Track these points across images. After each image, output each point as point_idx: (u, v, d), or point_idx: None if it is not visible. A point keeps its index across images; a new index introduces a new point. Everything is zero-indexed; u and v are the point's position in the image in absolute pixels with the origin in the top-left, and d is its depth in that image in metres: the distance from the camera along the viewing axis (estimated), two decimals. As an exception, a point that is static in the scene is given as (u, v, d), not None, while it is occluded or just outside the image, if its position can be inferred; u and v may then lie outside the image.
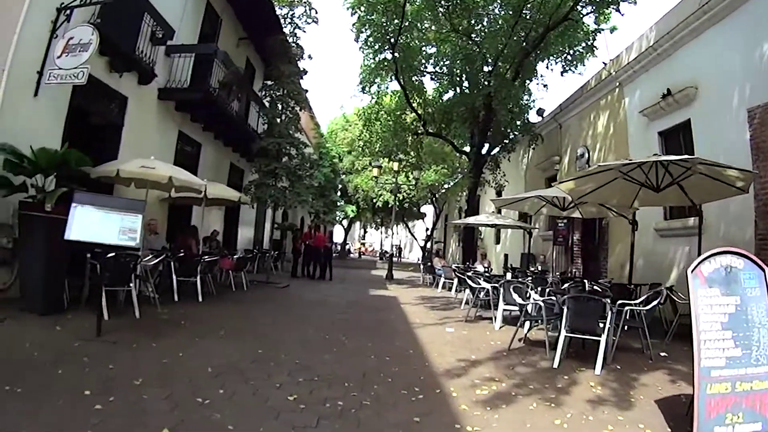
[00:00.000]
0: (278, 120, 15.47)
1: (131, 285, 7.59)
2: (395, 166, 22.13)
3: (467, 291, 11.94)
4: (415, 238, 43.54)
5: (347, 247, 47.35)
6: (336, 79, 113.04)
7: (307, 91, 17.07)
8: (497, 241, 25.54)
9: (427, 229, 41.22)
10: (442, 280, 17.05)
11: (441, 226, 39.73)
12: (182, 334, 6.78)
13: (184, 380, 4.76)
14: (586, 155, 16.04)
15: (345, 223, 43.02)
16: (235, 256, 13.14)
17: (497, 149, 20.59)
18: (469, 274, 12.45)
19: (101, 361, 5.07)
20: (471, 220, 18.86)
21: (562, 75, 20.34)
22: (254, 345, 6.50)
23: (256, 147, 14.95)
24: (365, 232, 67.77)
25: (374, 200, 31.43)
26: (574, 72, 19.31)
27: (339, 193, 35.79)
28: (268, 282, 14.56)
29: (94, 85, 9.67)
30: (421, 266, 21.80)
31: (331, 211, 32.40)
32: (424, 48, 20.13)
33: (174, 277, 9.66)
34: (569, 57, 18.99)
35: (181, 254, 10.22)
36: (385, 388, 5.13)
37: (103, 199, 6.50)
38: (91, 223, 6.12)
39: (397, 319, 10.11)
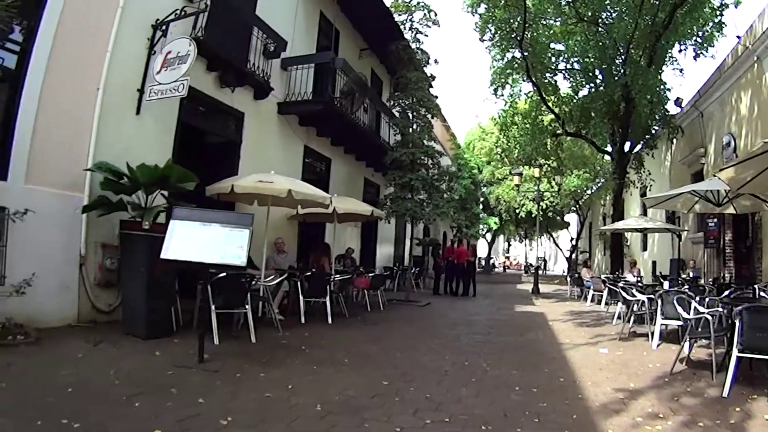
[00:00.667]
0: (410, 129, 14.55)
1: (246, 306, 6.89)
2: (536, 172, 20.49)
3: (619, 304, 10.48)
4: (560, 249, 40.79)
5: (491, 261, 45.35)
6: (467, 86, 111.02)
7: (437, 97, 16.04)
8: (644, 248, 22.96)
9: (572, 239, 38.38)
10: (591, 292, 15.26)
11: (585, 235, 37.00)
12: (299, 362, 5.91)
13: (283, 421, 3.84)
14: (732, 143, 13.77)
15: (488, 236, 41.20)
16: (370, 274, 12.28)
17: (639, 146, 18.47)
18: (621, 285, 10.80)
19: (192, 393, 4.32)
20: (619, 225, 16.77)
21: (695, 59, 17.73)
22: (380, 375, 5.46)
23: (389, 159, 14.12)
24: (509, 245, 65.07)
25: (517, 210, 29.38)
26: (705, 55, 16.84)
27: (481, 206, 34.23)
28: (407, 301, 13.59)
29: (204, 102, 9.56)
30: (568, 278, 19.85)
31: (473, 224, 30.93)
32: (552, 45, 18.33)
33: (301, 297, 8.98)
34: (699, 39, 16.62)
35: (309, 273, 9.54)
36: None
37: (206, 213, 5.80)
38: (190, 241, 5.46)
39: (545, 340, 8.68)
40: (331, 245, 13.12)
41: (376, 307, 11.65)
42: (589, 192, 29.79)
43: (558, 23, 17.90)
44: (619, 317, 10.43)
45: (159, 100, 7.61)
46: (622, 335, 8.77)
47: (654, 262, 20.61)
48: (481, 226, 33.33)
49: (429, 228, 27.79)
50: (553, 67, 18.51)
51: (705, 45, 16.67)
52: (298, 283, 9.09)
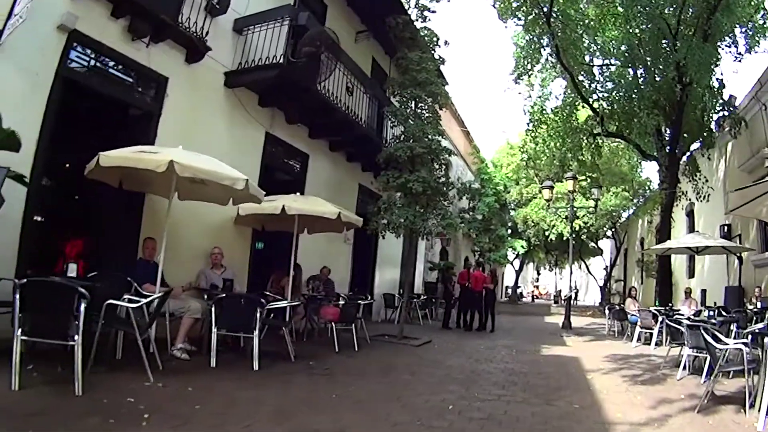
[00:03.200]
0: (410, 121, 11.53)
1: (75, 337, 4.29)
2: (570, 184, 16.81)
3: (685, 350, 7.61)
4: (594, 277, 37.14)
5: (519, 290, 41.69)
6: (496, 103, 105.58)
7: (446, 83, 13.05)
8: (691, 274, 19.62)
9: (606, 267, 35.13)
10: (637, 329, 11.99)
11: (620, 262, 33.66)
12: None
13: None
14: None
15: (516, 263, 37.68)
16: (341, 302, 9.25)
17: (693, 147, 15.50)
18: (687, 322, 7.70)
19: None
20: (671, 243, 13.77)
21: (749, 52, 14.41)
22: None
23: (382, 157, 11.13)
24: (538, 273, 61.04)
25: (546, 233, 25.81)
26: (757, 49, 14.19)
27: (509, 230, 30.87)
28: (401, 337, 10.44)
29: (104, 56, 7.10)
30: (606, 311, 16.27)
31: (497, 248, 27.59)
32: (586, 38, 15.25)
33: (214, 329, 6.18)
34: (749, 30, 14.02)
35: (223, 295, 6.71)
36: None
37: None
38: None
39: (585, 413, 5.43)
40: (302, 263, 10.27)
41: (348, 346, 8.61)
42: (626, 213, 26.45)
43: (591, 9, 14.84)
44: (684, 367, 7.65)
45: (16, 39, 5.51)
46: (702, 404, 5.58)
47: (704, 291, 17.32)
48: (507, 250, 29.79)
49: (447, 251, 24.63)
50: (588, 52, 15.36)
51: (757, 36, 13.77)
52: (213, 307, 6.28)
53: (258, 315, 6.47)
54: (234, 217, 8.87)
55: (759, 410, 4.94)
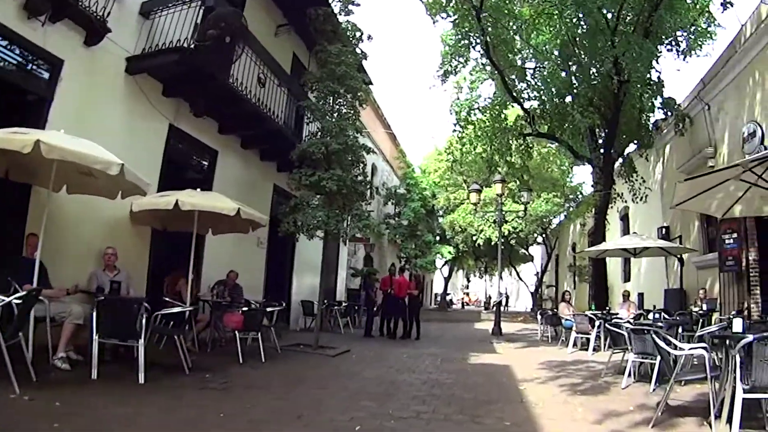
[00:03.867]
0: (327, 117, 10.90)
1: None
2: (498, 188, 16.47)
3: (629, 356, 7.07)
4: (525, 283, 37.44)
5: (449, 297, 41.73)
6: (425, 110, 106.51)
7: (369, 83, 12.55)
8: (626, 278, 19.56)
9: (537, 273, 35.44)
10: (573, 335, 11.63)
11: (552, 267, 33.90)
12: None
13: None
14: (759, 132, 10.64)
15: (445, 270, 37.69)
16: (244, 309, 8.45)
17: (629, 150, 15.62)
18: (630, 326, 7.25)
19: None
20: (608, 245, 13.43)
21: (689, 55, 14.54)
22: None
23: (296, 154, 10.44)
24: (468, 281, 61.72)
25: (474, 238, 25.74)
26: (698, 52, 14.43)
27: (437, 237, 30.69)
28: (317, 346, 9.76)
29: None
30: (538, 316, 16.06)
31: (424, 254, 27.34)
32: (518, 39, 15.11)
33: (95, 336, 5.51)
34: (691, 34, 14.19)
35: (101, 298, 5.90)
36: None
37: None
38: None
39: (520, 429, 4.89)
40: (209, 267, 9.45)
41: (255, 356, 7.87)
42: (556, 219, 26.83)
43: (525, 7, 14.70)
44: (630, 374, 7.13)
45: None
46: (658, 418, 4.98)
47: (641, 295, 17.21)
48: (434, 257, 29.55)
49: (371, 257, 24.12)
50: (520, 54, 15.21)
51: (700, 40, 14.01)
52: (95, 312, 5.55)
53: (142, 321, 5.68)
54: (130, 215, 7.96)
55: (728, 422, 4.38)
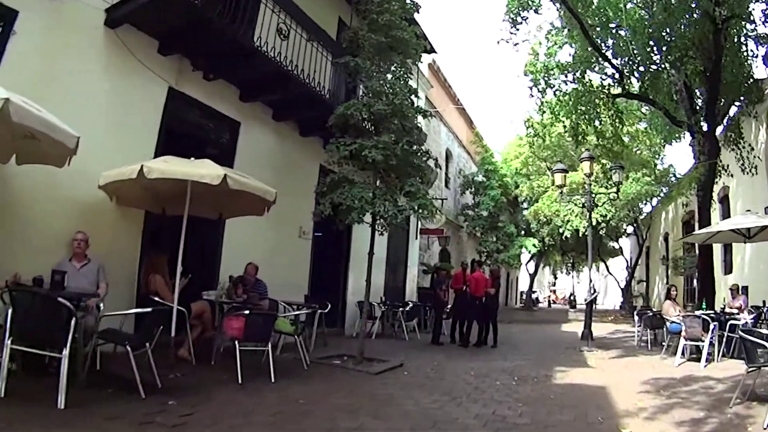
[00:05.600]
0: (374, 75, 8.85)
1: None
2: (586, 167, 13.54)
3: None
4: (615, 278, 33.87)
5: (534, 295, 38.62)
6: (504, 98, 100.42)
7: (423, 37, 10.34)
8: (727, 270, 16.23)
9: (627, 266, 31.89)
10: (682, 342, 9.08)
11: (642, 261, 30.48)
12: None
13: None
14: None
15: (531, 266, 34.69)
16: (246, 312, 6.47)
17: (733, 108, 12.76)
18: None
19: None
20: (723, 225, 10.83)
21: None
22: None
23: (332, 120, 8.48)
24: (555, 277, 57.79)
25: (561, 229, 22.83)
26: None
27: (521, 231, 27.86)
28: (361, 359, 7.74)
29: None
30: (636, 317, 13.13)
31: (506, 247, 24.72)
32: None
33: (7, 342, 4.11)
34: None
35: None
36: None
37: None
38: None
39: None
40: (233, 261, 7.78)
41: (264, 374, 5.97)
42: (648, 206, 23.62)
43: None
44: None
45: None
46: None
47: (745, 288, 13.66)
48: (518, 250, 26.70)
49: (448, 252, 21.81)
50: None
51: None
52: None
53: (70, 324, 3.98)
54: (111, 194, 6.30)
55: None
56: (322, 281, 11.44)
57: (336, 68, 9.87)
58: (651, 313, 12.24)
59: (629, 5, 12.05)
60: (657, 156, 24.93)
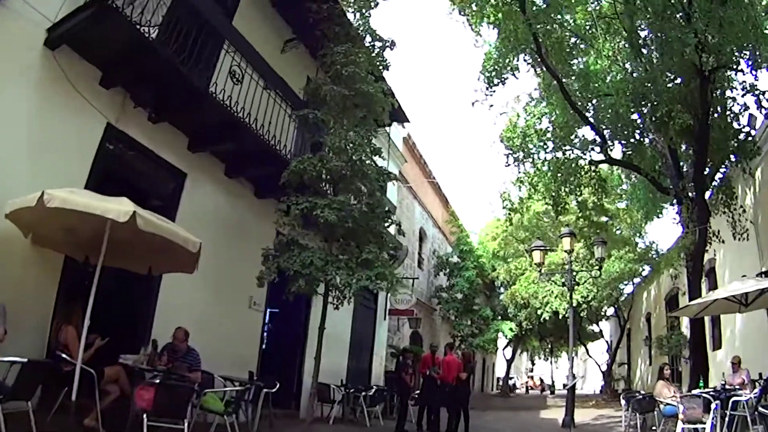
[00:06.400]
0: (333, 131, 8.26)
1: None
2: (567, 243, 13.18)
3: None
4: (596, 361, 33.07)
5: (511, 381, 37.43)
6: (482, 183, 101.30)
7: (391, 94, 9.86)
8: (716, 345, 15.25)
9: (608, 348, 31.38)
10: (680, 426, 8.22)
11: (623, 344, 29.97)
12: None
13: None
14: None
15: (508, 352, 33.57)
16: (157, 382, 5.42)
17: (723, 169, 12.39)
18: None
19: None
20: (719, 293, 9.89)
21: None
22: None
23: (285, 177, 7.80)
24: (533, 363, 56.51)
25: (539, 311, 21.83)
26: None
27: (498, 315, 26.91)
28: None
29: None
30: (623, 400, 12.14)
31: (481, 331, 23.70)
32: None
33: None
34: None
35: None
36: None
37: None
38: None
39: None
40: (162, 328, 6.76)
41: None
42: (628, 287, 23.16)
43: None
44: None
45: None
46: None
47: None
48: (494, 334, 25.63)
49: (419, 335, 20.70)
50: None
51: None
52: None
53: None
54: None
55: None
56: (277, 358, 10.44)
57: (300, 127, 9.36)
58: (640, 396, 11.28)
59: (612, 66, 12.07)
60: (639, 234, 24.60)
